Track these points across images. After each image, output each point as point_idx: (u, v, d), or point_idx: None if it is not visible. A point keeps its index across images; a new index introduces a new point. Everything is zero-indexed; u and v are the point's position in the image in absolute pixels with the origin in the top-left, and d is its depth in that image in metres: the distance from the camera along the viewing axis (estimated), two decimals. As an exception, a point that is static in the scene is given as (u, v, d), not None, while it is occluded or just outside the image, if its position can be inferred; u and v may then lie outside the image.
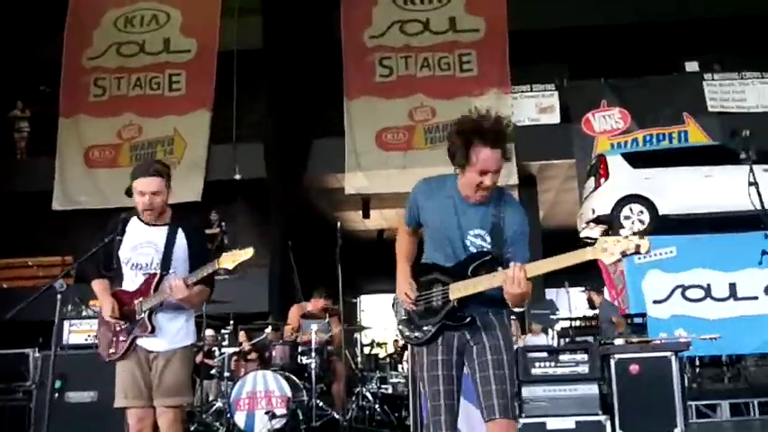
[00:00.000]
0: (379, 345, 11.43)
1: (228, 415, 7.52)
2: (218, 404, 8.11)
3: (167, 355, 4.20)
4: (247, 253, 4.10)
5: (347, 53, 15.66)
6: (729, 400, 10.78)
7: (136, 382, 4.19)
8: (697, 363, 11.14)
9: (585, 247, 3.21)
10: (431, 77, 15.53)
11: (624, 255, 3.09)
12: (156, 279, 4.21)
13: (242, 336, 10.65)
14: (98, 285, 4.38)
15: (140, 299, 4.22)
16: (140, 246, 4.28)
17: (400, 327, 3.68)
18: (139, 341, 4.22)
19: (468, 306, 3.44)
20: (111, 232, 4.31)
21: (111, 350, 4.26)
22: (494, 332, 3.48)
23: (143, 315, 4.19)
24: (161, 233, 4.29)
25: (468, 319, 3.43)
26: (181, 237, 4.30)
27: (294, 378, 7.71)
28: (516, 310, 3.59)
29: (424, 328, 3.52)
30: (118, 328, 4.26)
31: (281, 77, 15.45)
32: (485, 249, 3.46)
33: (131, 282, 4.28)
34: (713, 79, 15.43)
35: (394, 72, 15.64)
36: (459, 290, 3.42)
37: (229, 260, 4.09)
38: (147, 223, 4.30)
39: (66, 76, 16.40)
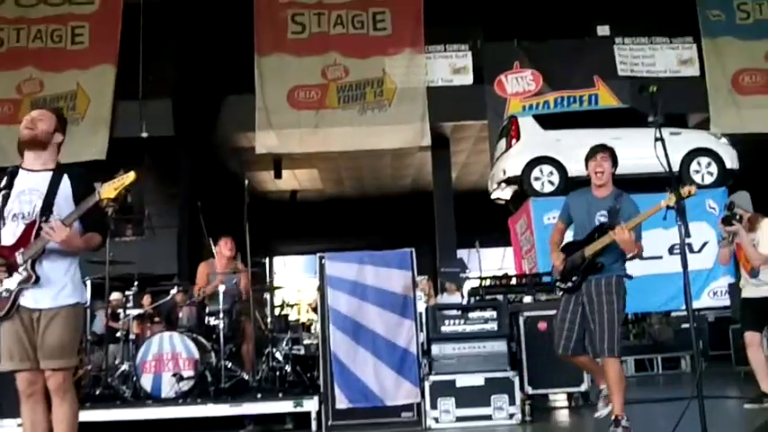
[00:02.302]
0: (290, 306, 11.27)
1: (135, 378, 7.33)
2: (124, 367, 7.87)
3: (50, 314, 3.95)
4: (129, 177, 3.94)
5: (258, 8, 15.16)
6: (634, 356, 11.18)
7: (21, 343, 3.92)
8: (603, 320, 11.42)
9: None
10: (344, 35, 15.23)
11: (680, 198, 4.72)
12: (35, 227, 3.94)
13: (146, 299, 10.37)
14: None
15: (21, 250, 3.94)
16: (23, 193, 4.03)
17: (557, 283, 5.64)
18: (22, 300, 3.95)
19: (597, 260, 5.31)
20: None
21: None
22: (600, 298, 5.28)
23: (25, 265, 3.93)
24: (45, 179, 4.06)
25: (600, 265, 5.29)
26: (65, 182, 4.07)
27: (202, 339, 7.57)
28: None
29: (573, 278, 5.42)
30: None
31: (191, 31, 15.00)
32: (604, 222, 5.34)
33: (11, 235, 4.00)
34: (623, 43, 15.72)
35: (307, 29, 15.28)
36: (590, 249, 5.34)
37: (111, 189, 3.91)
38: (31, 169, 4.07)
39: (-40, 26, 15.50)
